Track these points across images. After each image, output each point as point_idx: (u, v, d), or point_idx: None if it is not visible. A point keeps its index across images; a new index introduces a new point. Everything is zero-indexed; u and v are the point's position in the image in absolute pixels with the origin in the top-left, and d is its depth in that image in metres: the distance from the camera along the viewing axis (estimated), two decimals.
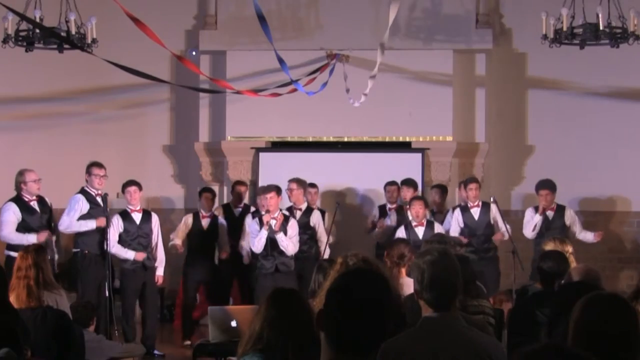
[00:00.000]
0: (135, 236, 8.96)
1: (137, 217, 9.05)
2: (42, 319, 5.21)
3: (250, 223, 9.30)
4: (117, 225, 8.88)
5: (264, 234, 8.80)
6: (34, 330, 4.97)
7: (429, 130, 11.16)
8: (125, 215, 8.99)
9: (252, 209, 10.09)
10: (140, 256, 8.85)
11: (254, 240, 8.93)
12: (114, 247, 8.75)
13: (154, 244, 9.10)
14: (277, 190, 9.02)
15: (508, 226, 9.42)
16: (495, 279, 9.35)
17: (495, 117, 11.47)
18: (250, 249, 9.25)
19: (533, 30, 9.72)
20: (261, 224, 8.86)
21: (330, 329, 2.43)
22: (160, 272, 9.13)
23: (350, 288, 2.46)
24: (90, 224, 8.66)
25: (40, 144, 11.53)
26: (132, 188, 9.02)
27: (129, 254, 8.87)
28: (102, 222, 8.61)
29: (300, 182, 9.84)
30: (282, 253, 8.91)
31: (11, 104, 11.55)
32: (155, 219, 9.20)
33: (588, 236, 9.73)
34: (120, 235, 8.92)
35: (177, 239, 9.79)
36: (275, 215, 8.89)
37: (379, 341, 2.44)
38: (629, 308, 2.92)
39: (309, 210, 9.82)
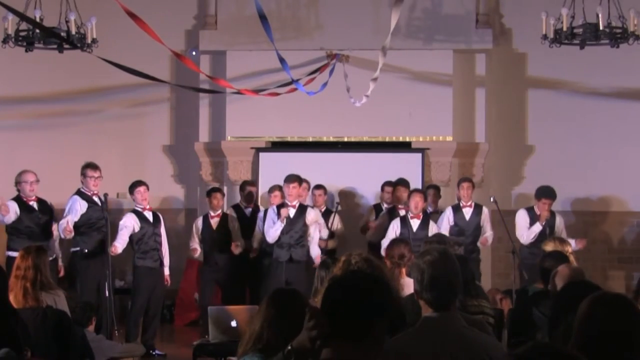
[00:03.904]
0: (151, 234, 8.98)
1: (149, 215, 9.08)
2: (42, 319, 5.21)
3: (269, 212, 9.49)
4: (132, 225, 8.87)
5: (279, 225, 9.16)
6: (33, 330, 4.97)
7: (429, 130, 11.16)
8: (139, 214, 9.00)
9: (262, 208, 10.08)
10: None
11: (270, 229, 9.24)
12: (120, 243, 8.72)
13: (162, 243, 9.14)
14: (299, 180, 9.42)
15: (492, 233, 9.70)
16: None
17: (495, 117, 11.46)
18: (264, 239, 9.44)
19: (533, 30, 9.72)
20: (279, 215, 9.21)
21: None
22: (167, 272, 9.12)
23: (340, 288, 2.67)
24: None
25: (41, 144, 11.53)
26: (143, 188, 9.03)
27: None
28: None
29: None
30: (297, 244, 9.26)
31: (11, 104, 11.55)
32: (161, 218, 9.25)
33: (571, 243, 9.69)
34: (136, 234, 8.92)
35: (194, 244, 9.75)
36: (294, 203, 9.30)
37: (368, 330, 2.59)
38: (634, 308, 2.92)
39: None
